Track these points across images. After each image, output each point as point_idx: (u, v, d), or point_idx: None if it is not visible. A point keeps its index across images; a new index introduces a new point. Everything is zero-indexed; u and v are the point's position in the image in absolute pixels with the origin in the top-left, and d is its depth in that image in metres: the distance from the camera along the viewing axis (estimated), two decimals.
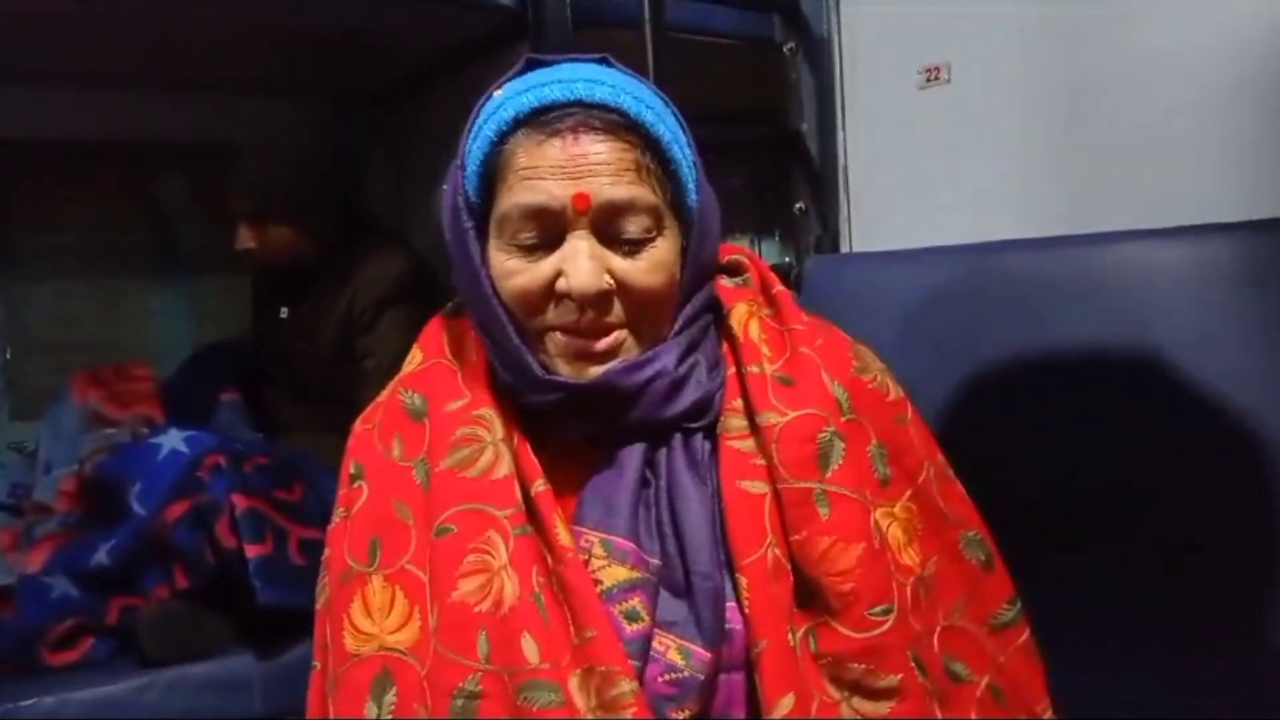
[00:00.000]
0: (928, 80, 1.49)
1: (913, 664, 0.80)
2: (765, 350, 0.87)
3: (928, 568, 0.86)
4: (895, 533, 0.85)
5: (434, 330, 0.94)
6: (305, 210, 2.03)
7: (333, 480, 1.89)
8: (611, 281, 0.79)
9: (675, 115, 0.85)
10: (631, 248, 0.80)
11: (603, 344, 0.81)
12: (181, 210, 2.65)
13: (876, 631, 0.79)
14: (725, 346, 0.89)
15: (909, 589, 0.83)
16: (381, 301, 2.00)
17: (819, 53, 1.67)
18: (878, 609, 0.80)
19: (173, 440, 1.80)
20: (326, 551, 0.91)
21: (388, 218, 3.00)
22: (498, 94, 0.83)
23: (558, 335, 0.82)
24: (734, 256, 0.95)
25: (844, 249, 1.62)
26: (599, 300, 0.79)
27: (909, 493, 0.88)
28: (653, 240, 0.81)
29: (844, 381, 0.87)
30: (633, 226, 0.80)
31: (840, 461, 0.83)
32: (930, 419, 0.94)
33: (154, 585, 1.75)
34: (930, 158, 1.52)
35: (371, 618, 0.81)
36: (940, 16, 1.48)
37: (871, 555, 0.81)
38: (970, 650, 0.86)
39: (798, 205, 1.75)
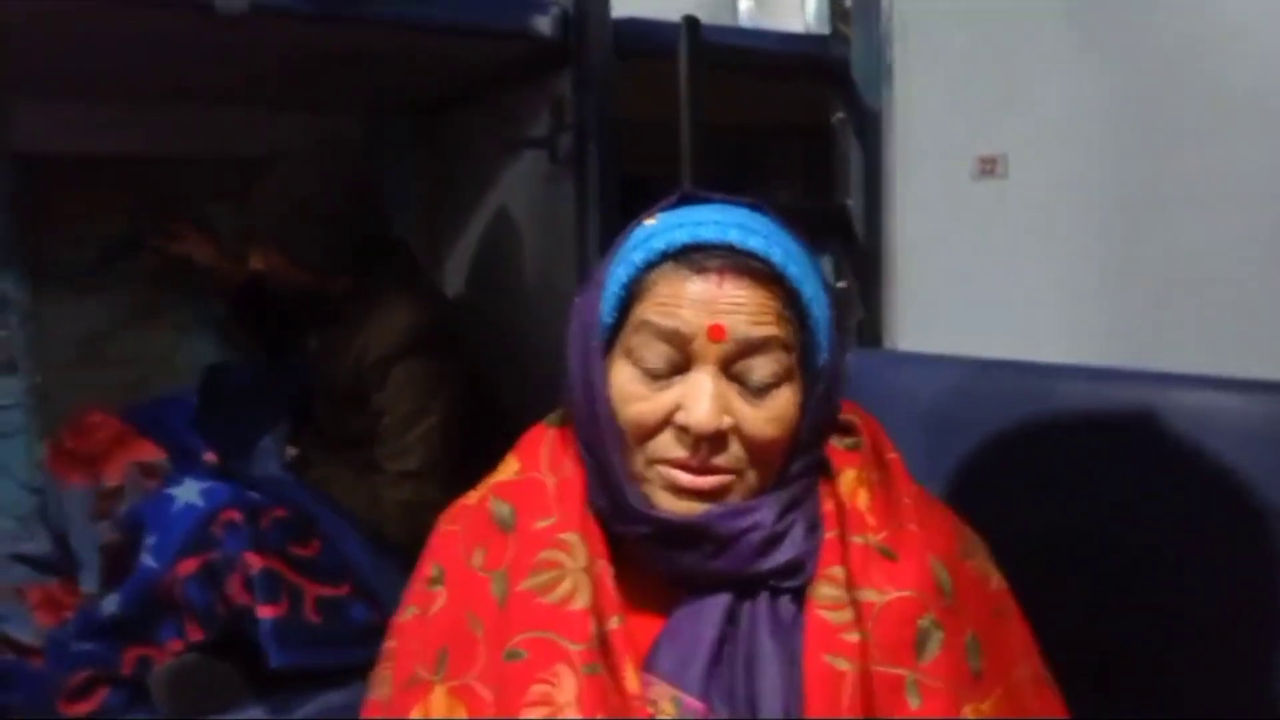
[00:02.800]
0: (982, 172, 1.41)
1: None
2: (870, 520, 0.84)
3: None
4: None
5: (533, 439, 0.94)
6: (294, 248, 1.98)
7: (350, 532, 1.89)
8: (731, 422, 0.80)
9: (818, 273, 0.86)
10: (756, 394, 0.81)
11: (709, 483, 0.81)
12: (214, 227, 2.62)
13: None
14: (827, 509, 0.87)
15: None
16: (389, 358, 1.96)
17: (870, 127, 1.59)
18: None
19: (188, 493, 1.79)
20: (391, 643, 0.90)
21: (424, 239, 2.99)
22: (650, 222, 0.86)
23: (664, 468, 0.82)
24: (847, 416, 0.92)
25: (886, 336, 1.56)
26: (715, 438, 0.80)
27: (1000, 692, 0.84)
28: (778, 388, 0.82)
29: (948, 564, 0.85)
30: (761, 371, 0.81)
31: (938, 651, 0.80)
32: None
33: (168, 638, 1.75)
34: (980, 254, 1.44)
35: None
36: (1002, 103, 1.39)
37: None
38: None
39: (842, 283, 1.68)
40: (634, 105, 2.10)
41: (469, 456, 1.94)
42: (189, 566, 1.71)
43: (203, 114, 2.47)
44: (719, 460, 0.81)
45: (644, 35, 2.12)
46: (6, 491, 2.30)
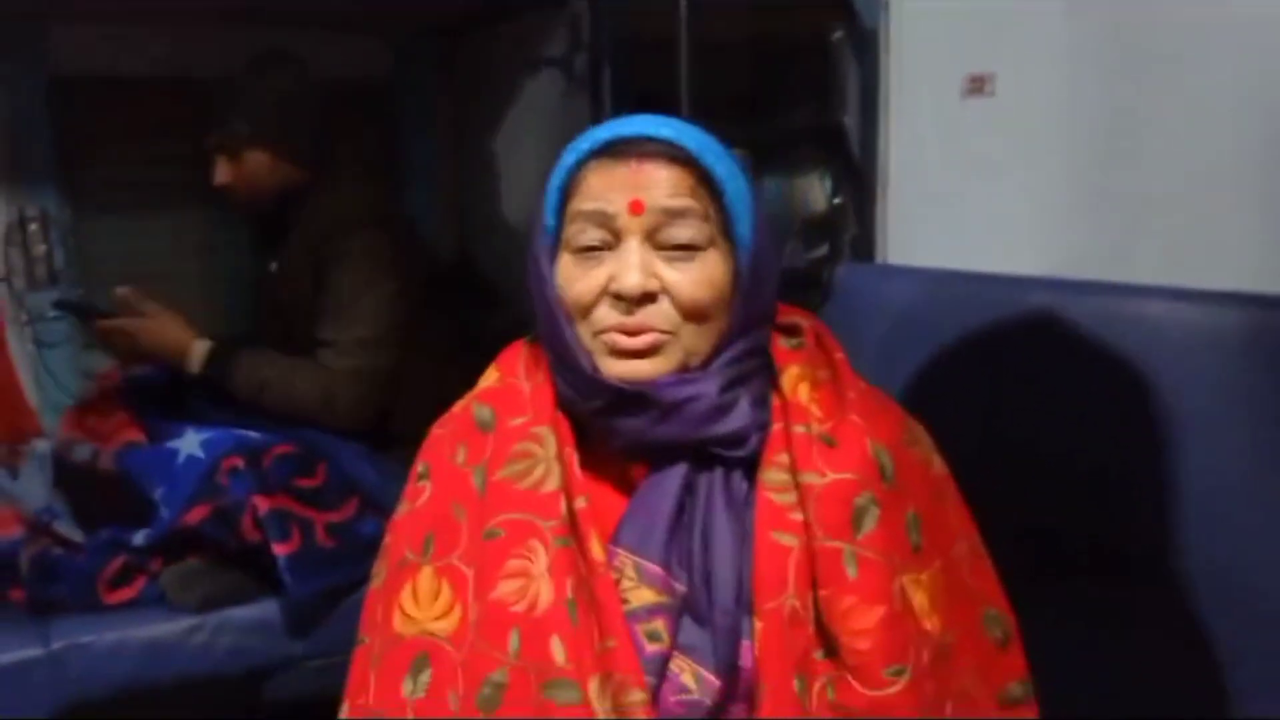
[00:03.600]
0: (971, 90, 1.46)
1: None
2: (815, 411, 0.92)
3: (947, 636, 0.90)
4: (921, 599, 0.89)
5: (512, 352, 1.03)
6: (282, 134, 2.04)
7: (353, 453, 1.95)
8: (658, 284, 0.88)
9: (740, 164, 0.93)
10: (680, 255, 0.89)
11: (643, 340, 0.89)
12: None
13: (888, 690, 0.84)
14: (775, 404, 0.94)
15: (927, 654, 0.88)
16: (345, 232, 1.99)
17: (867, 46, 1.64)
18: (891, 669, 0.84)
19: (189, 445, 1.86)
20: (386, 539, 0.99)
21: (446, 154, 3.06)
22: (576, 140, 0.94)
23: (605, 335, 0.90)
24: (793, 318, 1.00)
25: (877, 249, 1.62)
26: (644, 299, 0.88)
27: (938, 564, 0.92)
28: (701, 250, 0.89)
29: (891, 449, 0.93)
30: (682, 233, 0.88)
31: (873, 526, 0.88)
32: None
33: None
34: (967, 171, 1.49)
35: (419, 604, 0.91)
36: (992, 24, 1.44)
37: (892, 617, 0.86)
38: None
39: (836, 199, 1.74)
40: (648, 24, 2.15)
41: (430, 346, 2.01)
42: (199, 514, 1.79)
43: (236, 35, 2.53)
44: (651, 320, 0.88)
45: None
46: (52, 396, 2.42)
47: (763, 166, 3.12)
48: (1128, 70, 1.31)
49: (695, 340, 0.91)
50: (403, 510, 0.99)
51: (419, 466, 1.00)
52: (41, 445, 2.19)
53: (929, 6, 1.54)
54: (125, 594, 1.84)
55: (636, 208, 0.88)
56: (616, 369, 0.90)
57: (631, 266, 0.88)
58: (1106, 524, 1.20)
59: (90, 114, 2.51)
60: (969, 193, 1.50)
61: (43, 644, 1.72)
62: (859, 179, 1.71)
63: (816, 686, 0.85)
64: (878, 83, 1.59)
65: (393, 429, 2.01)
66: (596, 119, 2.20)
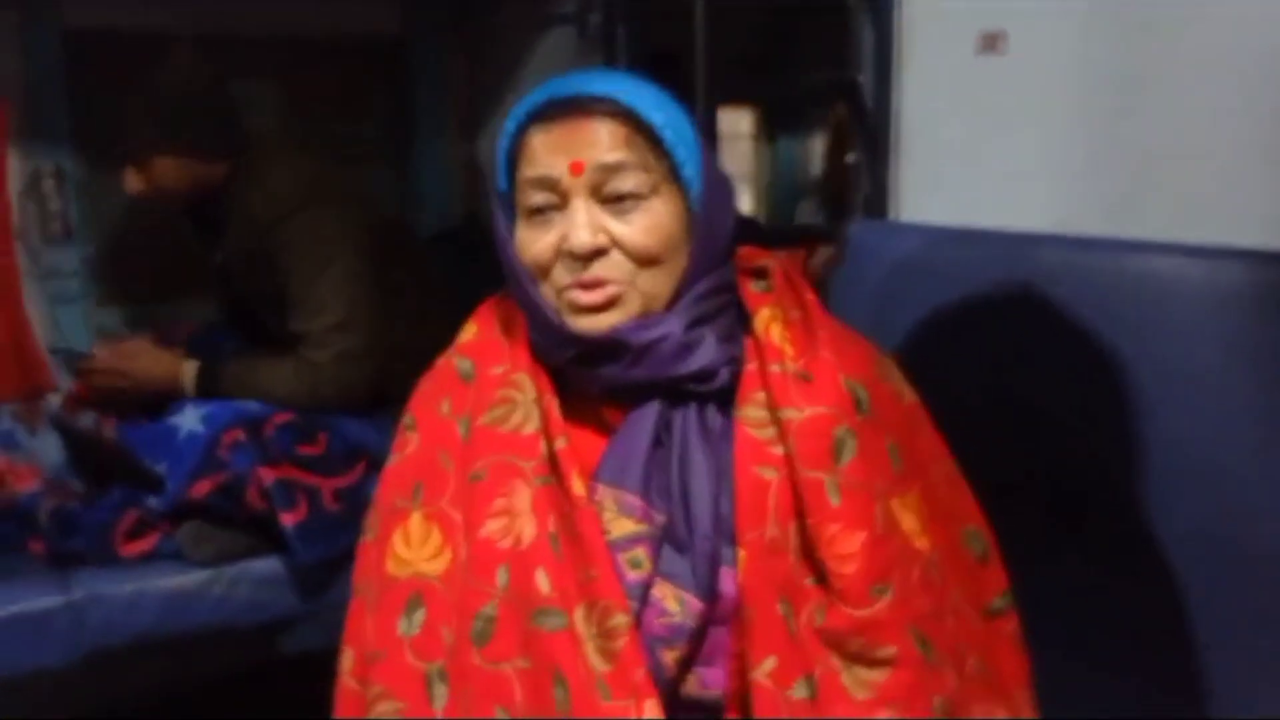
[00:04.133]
0: (984, 48, 1.46)
1: (911, 638, 0.89)
2: (789, 350, 0.96)
3: (936, 554, 0.95)
4: (909, 521, 0.94)
5: (488, 307, 1.07)
6: (183, 135, 2.00)
7: (352, 421, 1.96)
8: (606, 239, 0.92)
9: (680, 109, 0.96)
10: (625, 207, 0.92)
11: (600, 295, 0.92)
12: (257, 103, 2.70)
13: (873, 609, 0.88)
14: (749, 345, 0.98)
15: (918, 571, 0.92)
16: (281, 216, 1.97)
17: (880, 3, 1.64)
18: (875, 588, 0.89)
19: (189, 421, 1.87)
20: (377, 490, 1.03)
21: (460, 112, 3.06)
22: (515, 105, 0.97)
23: (566, 293, 0.94)
24: (762, 261, 1.04)
25: (890, 208, 1.63)
26: (594, 255, 0.91)
27: (919, 487, 0.97)
28: (645, 199, 0.92)
29: (865, 382, 0.97)
30: (625, 184, 0.91)
31: (852, 456, 0.92)
32: (935, 402, 1.02)
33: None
34: (979, 129, 1.50)
35: (410, 547, 0.95)
36: None
37: (874, 541, 0.90)
38: (963, 631, 0.95)
39: (850, 155, 1.75)
40: None
41: (432, 311, 2.00)
42: (204, 488, 1.80)
43: None
44: (606, 273, 0.92)
45: None
46: (56, 355, 2.43)
47: (776, 127, 3.13)
48: (1137, 28, 1.31)
49: (652, 285, 0.94)
50: (392, 461, 1.03)
51: (406, 419, 1.04)
52: (55, 402, 2.22)
53: None
54: (141, 546, 1.87)
55: (576, 169, 0.91)
56: (580, 324, 0.94)
57: (579, 225, 0.91)
58: (1108, 475, 1.22)
59: (104, 69, 2.50)
60: (982, 150, 1.50)
61: (63, 593, 1.76)
62: (872, 137, 1.71)
63: (805, 613, 0.90)
64: (891, 41, 1.59)
65: (394, 393, 2.01)
66: None
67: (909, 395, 1.03)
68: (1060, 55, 1.39)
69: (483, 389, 1.00)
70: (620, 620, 0.87)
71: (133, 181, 2.06)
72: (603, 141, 0.91)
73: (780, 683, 0.88)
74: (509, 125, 0.96)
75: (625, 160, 0.91)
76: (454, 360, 1.04)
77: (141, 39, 2.51)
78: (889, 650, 0.88)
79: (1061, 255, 1.26)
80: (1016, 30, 1.43)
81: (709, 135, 2.11)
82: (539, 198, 0.93)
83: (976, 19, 1.47)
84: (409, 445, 1.01)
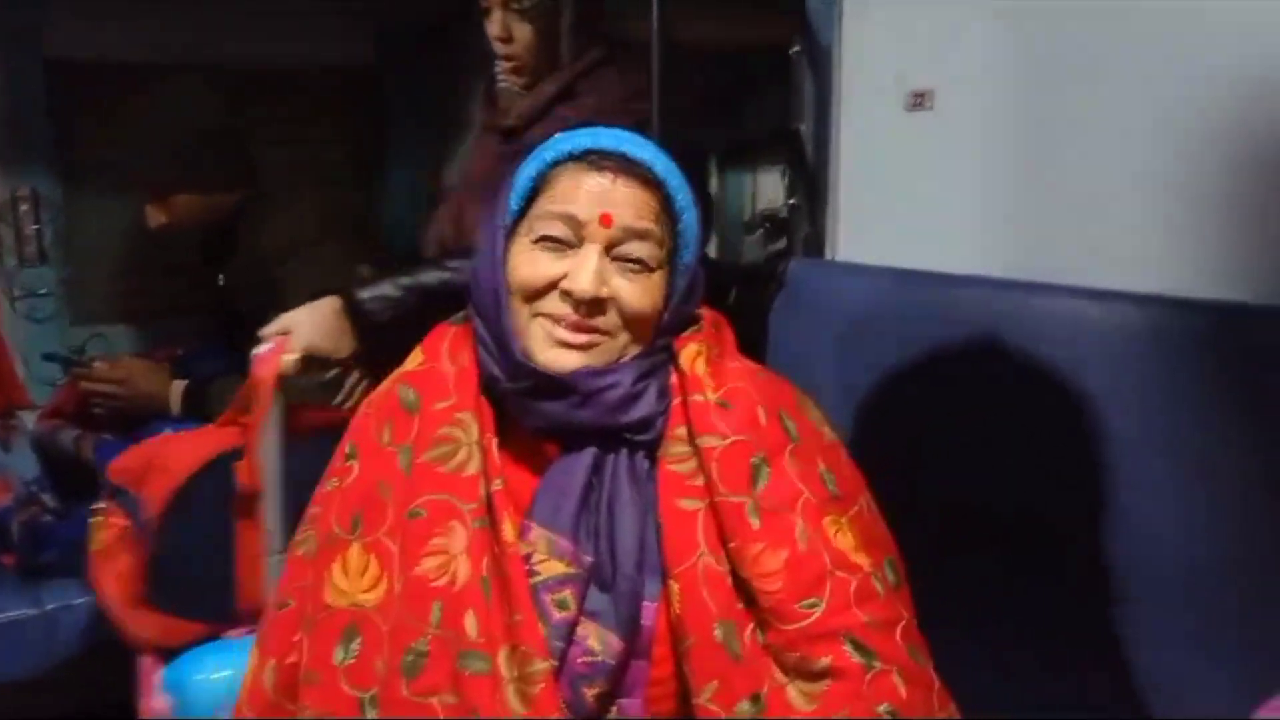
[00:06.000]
0: (914, 104, 1.57)
1: (847, 648, 0.92)
2: (709, 381, 1.01)
3: (879, 570, 0.97)
4: (845, 539, 0.97)
5: (436, 336, 1.09)
6: (204, 171, 2.08)
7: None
8: (609, 292, 0.97)
9: (691, 189, 1.02)
10: (633, 269, 0.97)
11: (584, 338, 0.97)
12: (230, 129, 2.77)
13: (805, 623, 0.92)
14: (674, 381, 1.03)
15: (855, 583, 0.95)
16: (294, 245, 2.03)
17: (821, 60, 1.75)
18: (804, 603, 0.92)
19: None
20: (313, 509, 1.06)
21: (431, 144, 3.13)
22: (558, 136, 1.02)
23: (546, 321, 0.98)
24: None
25: (828, 248, 1.74)
26: (594, 303, 0.96)
27: (853, 510, 1.01)
28: (651, 273, 0.99)
29: (788, 412, 1.03)
30: (642, 252, 0.97)
31: (767, 481, 0.97)
32: (866, 427, 1.08)
33: None
34: (911, 177, 1.61)
35: (349, 578, 0.98)
36: (931, 45, 1.55)
37: (797, 558, 0.94)
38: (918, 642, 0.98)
39: (791, 200, 1.86)
40: (618, 26, 2.24)
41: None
42: None
43: (228, 26, 2.60)
44: (596, 322, 0.97)
45: None
46: (44, 371, 2.50)
47: (725, 164, 3.23)
48: (1052, 88, 1.42)
49: (627, 344, 1.00)
50: (330, 486, 1.05)
51: (346, 446, 1.06)
52: (31, 420, 2.28)
53: (877, 27, 1.65)
54: None
55: (606, 220, 0.96)
56: (549, 354, 0.97)
57: (589, 271, 0.95)
58: (1032, 498, 1.34)
59: (84, 97, 2.58)
60: (912, 196, 1.61)
61: (36, 605, 1.82)
62: (812, 181, 1.82)
63: (746, 633, 0.93)
64: (830, 94, 1.70)
65: None
66: None
67: (829, 432, 1.07)
68: (982, 112, 1.50)
69: (426, 423, 1.01)
70: (539, 666, 0.90)
71: (155, 216, 2.13)
72: (635, 204, 0.97)
73: (724, 705, 0.91)
74: (544, 154, 1.00)
75: (651, 231, 0.97)
76: (397, 388, 1.06)
77: (121, 69, 2.59)
78: (824, 661, 0.91)
79: (986, 295, 1.38)
80: (943, 88, 1.55)
81: None
82: (556, 230, 0.97)
83: (907, 79, 1.59)
84: (349, 474, 1.03)
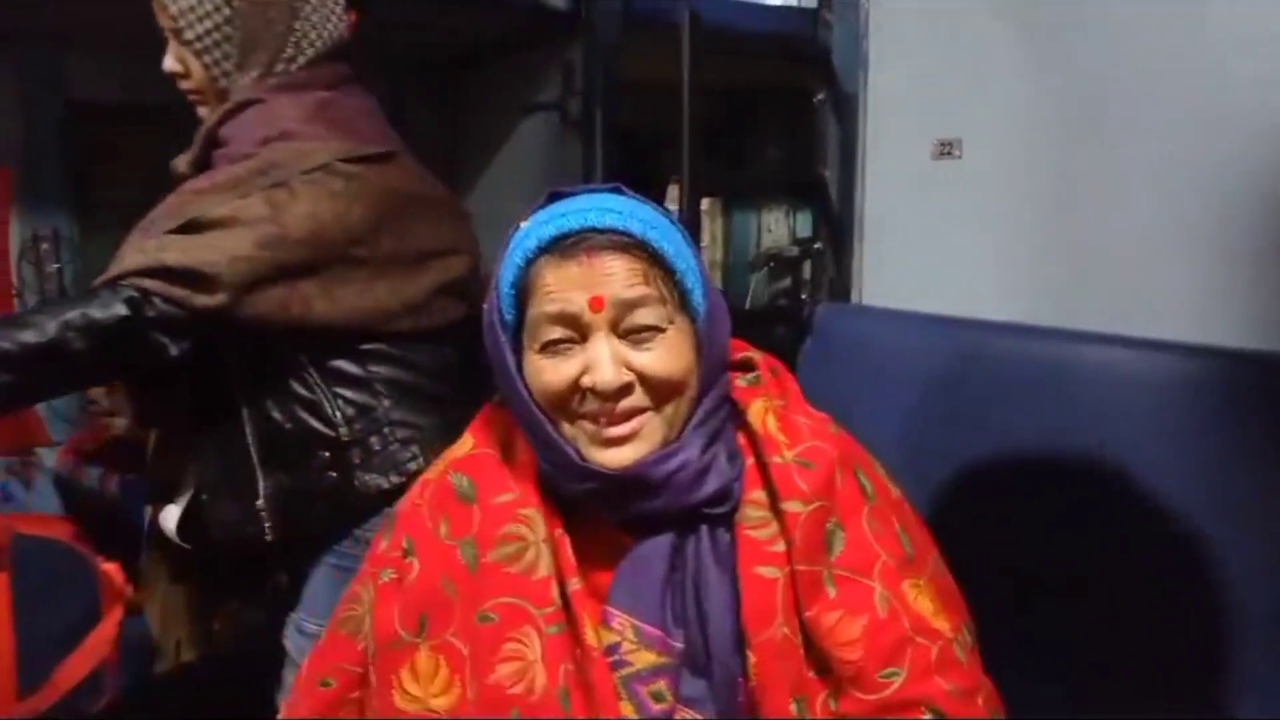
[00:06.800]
0: (941, 153, 1.62)
1: (927, 717, 0.89)
2: (782, 438, 0.96)
3: (960, 635, 0.95)
4: (924, 603, 0.94)
5: (485, 419, 1.05)
6: None
7: None
8: (631, 375, 0.90)
9: (681, 231, 0.96)
10: (646, 337, 0.91)
11: (624, 428, 0.91)
12: None
13: (885, 693, 0.89)
14: (743, 439, 0.98)
15: (936, 650, 0.92)
16: None
17: (846, 109, 1.80)
18: (885, 672, 0.89)
19: None
20: (359, 588, 1.03)
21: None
22: (524, 224, 0.95)
23: (586, 424, 0.92)
24: (744, 354, 1.05)
25: (854, 291, 1.78)
26: (620, 392, 0.90)
27: (927, 572, 0.98)
28: (664, 334, 0.91)
29: (865, 469, 0.99)
30: (646, 318, 0.90)
31: (844, 546, 0.93)
32: (898, 471, 1.09)
33: None
34: (936, 225, 1.66)
35: (419, 683, 0.94)
36: (960, 94, 1.61)
37: (876, 626, 0.90)
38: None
39: (817, 244, 1.91)
40: (636, 65, 2.29)
41: None
42: None
43: None
44: (633, 404, 0.91)
45: (651, 10, 2.32)
46: (59, 407, 2.50)
47: (732, 202, 3.29)
48: (1075, 139, 1.47)
49: (674, 412, 0.93)
50: (387, 577, 1.00)
51: (403, 540, 1.00)
52: (51, 458, 2.29)
53: (903, 76, 1.71)
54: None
55: (597, 304, 0.89)
56: (603, 456, 0.91)
57: (604, 362, 0.89)
58: (1063, 548, 1.36)
59: (102, 138, 2.62)
60: (937, 243, 1.66)
61: None
62: (837, 226, 1.87)
63: (819, 702, 0.91)
64: (856, 142, 1.75)
65: None
66: (589, 161, 2.34)
67: (895, 489, 1.02)
68: (1007, 161, 1.55)
69: (489, 518, 0.96)
70: None
71: None
72: (621, 275, 0.89)
73: None
74: (514, 256, 0.93)
75: (645, 295, 0.90)
76: (450, 476, 1.00)
77: (140, 110, 2.62)
78: None
79: (1007, 340, 1.42)
80: (969, 137, 1.60)
81: (692, 223, 2.25)
82: (556, 333, 0.91)
83: (933, 128, 1.64)
84: (410, 571, 0.98)
